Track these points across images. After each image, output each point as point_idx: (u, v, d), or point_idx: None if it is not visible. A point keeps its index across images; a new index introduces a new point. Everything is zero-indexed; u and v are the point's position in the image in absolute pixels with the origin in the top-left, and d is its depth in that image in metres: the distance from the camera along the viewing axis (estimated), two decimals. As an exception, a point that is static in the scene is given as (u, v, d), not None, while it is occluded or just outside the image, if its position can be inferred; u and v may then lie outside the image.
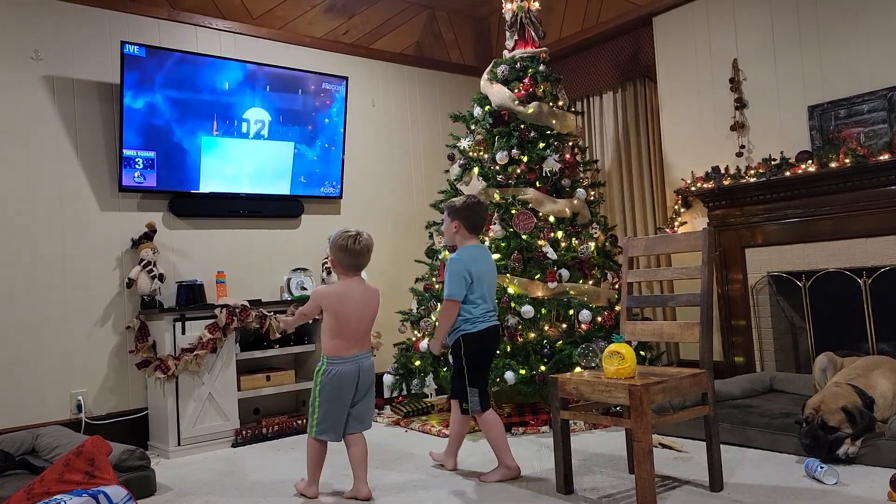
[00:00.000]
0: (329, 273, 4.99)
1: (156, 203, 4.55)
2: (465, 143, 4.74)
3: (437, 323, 3.43)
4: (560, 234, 4.39)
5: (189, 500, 3.22)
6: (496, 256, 4.26)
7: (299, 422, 4.52)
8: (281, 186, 4.95)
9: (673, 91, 5.10)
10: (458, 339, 3.20)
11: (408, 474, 3.39)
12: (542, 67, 4.64)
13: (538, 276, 4.24)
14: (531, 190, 4.42)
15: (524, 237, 4.31)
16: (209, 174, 4.63)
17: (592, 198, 4.69)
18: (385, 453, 3.82)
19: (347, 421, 3.03)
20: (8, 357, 3.99)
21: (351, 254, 2.98)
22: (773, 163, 4.33)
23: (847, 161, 3.96)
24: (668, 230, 4.89)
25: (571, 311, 4.21)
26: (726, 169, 4.58)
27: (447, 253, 4.23)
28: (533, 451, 3.62)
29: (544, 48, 4.80)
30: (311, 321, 3.94)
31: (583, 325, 4.15)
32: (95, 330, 4.28)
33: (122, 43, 4.23)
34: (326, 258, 5.05)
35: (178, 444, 4.09)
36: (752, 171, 4.42)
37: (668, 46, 5.12)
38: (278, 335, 4.44)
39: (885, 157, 3.85)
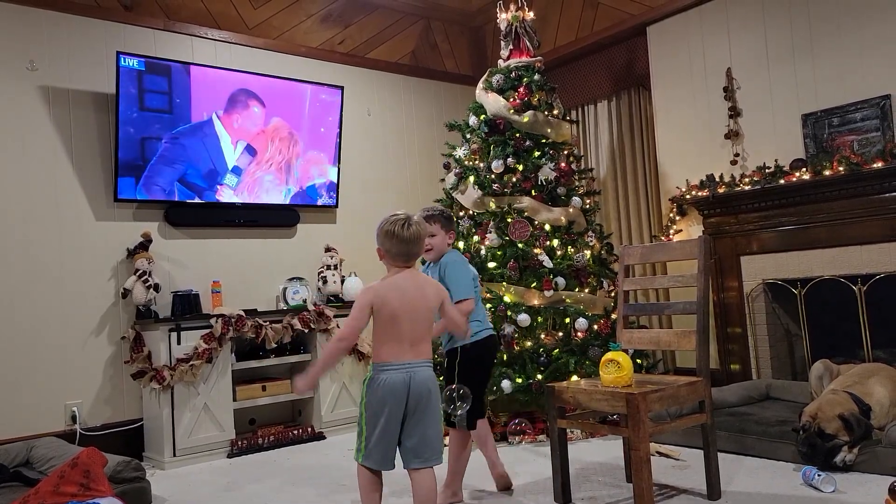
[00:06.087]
0: (325, 282, 4.98)
1: (151, 213, 4.54)
2: (460, 152, 4.74)
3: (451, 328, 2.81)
4: (556, 242, 4.40)
5: (185, 511, 3.20)
6: (492, 265, 4.28)
7: (295, 432, 4.50)
8: (276, 196, 4.95)
9: (667, 99, 5.12)
10: (454, 350, 3.04)
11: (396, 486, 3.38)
12: (537, 76, 4.66)
13: (534, 284, 4.24)
14: (527, 198, 4.43)
15: (520, 246, 4.31)
16: (205, 182, 4.62)
17: (588, 206, 4.69)
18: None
19: (402, 452, 2.46)
20: (2, 368, 3.97)
21: (400, 241, 2.62)
22: (767, 171, 4.35)
23: (841, 169, 3.98)
24: (663, 238, 4.90)
25: (568, 320, 4.21)
26: (721, 177, 4.59)
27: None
28: (530, 460, 3.61)
29: (539, 57, 4.82)
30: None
31: (579, 334, 4.15)
32: (90, 340, 4.27)
33: (118, 54, 4.23)
34: (322, 267, 5.04)
35: (174, 455, 4.06)
36: (747, 179, 4.44)
37: (663, 55, 5.14)
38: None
39: (878, 164, 3.87)
